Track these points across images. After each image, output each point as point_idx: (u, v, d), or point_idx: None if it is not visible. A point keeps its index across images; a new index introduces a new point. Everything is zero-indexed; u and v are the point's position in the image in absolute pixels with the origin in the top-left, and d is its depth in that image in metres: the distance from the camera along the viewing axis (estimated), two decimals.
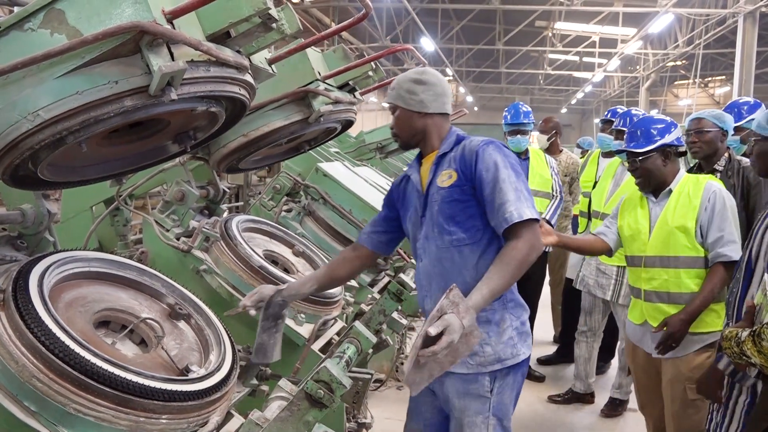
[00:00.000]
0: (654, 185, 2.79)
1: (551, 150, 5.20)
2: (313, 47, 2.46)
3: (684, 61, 23.62)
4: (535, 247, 1.83)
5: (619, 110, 4.18)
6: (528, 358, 2.10)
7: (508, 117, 4.50)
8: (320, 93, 2.37)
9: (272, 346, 2.03)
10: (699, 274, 2.67)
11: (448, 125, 2.11)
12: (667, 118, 2.85)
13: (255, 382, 2.00)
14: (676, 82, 30.02)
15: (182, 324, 1.90)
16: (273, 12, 1.47)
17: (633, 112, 3.92)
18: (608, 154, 4.52)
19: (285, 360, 2.42)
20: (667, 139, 2.73)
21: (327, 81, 2.49)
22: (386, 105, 2.08)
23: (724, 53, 21.84)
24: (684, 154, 2.87)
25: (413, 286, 2.26)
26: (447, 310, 1.69)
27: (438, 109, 2.05)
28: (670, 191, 2.76)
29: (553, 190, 4.52)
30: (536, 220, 1.86)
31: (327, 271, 2.20)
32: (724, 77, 28.05)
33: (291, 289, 2.12)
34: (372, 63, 2.65)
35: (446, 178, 1.98)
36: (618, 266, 3.79)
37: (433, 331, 1.62)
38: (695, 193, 2.69)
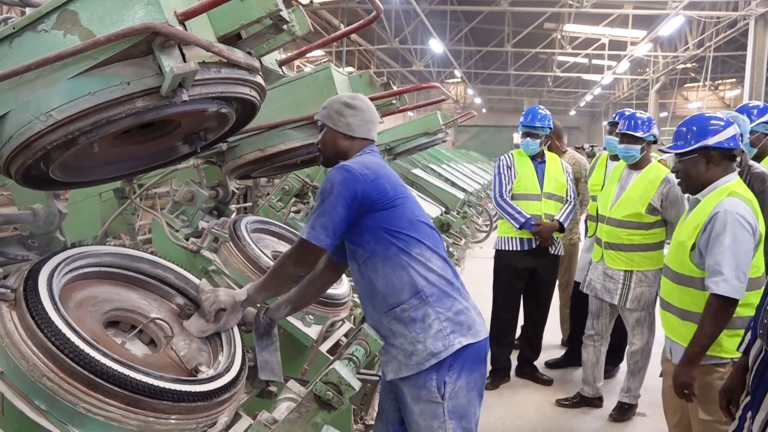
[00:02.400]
0: (692, 190, 2.62)
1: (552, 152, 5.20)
2: (338, 68, 2.49)
3: (694, 64, 23.52)
4: (294, 261, 2.00)
5: (626, 113, 4.15)
6: (474, 345, 2.04)
7: (523, 119, 4.51)
8: None
9: (276, 363, 2.04)
10: (693, 294, 2.56)
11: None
12: (721, 116, 2.62)
13: (263, 383, 2.00)
14: (686, 85, 29.89)
15: None
16: (284, 14, 1.47)
17: (637, 115, 3.89)
18: (616, 157, 4.50)
19: (293, 361, 2.42)
20: (708, 141, 2.53)
21: None
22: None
23: (735, 56, 21.73)
24: (735, 158, 2.62)
25: None
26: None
27: (363, 135, 2.13)
28: (698, 201, 2.60)
29: (567, 195, 4.53)
30: (311, 242, 1.92)
31: (298, 291, 2.20)
32: (734, 80, 27.89)
33: (271, 312, 2.14)
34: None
35: None
36: (625, 271, 3.77)
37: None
38: (707, 209, 2.51)
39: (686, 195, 2.93)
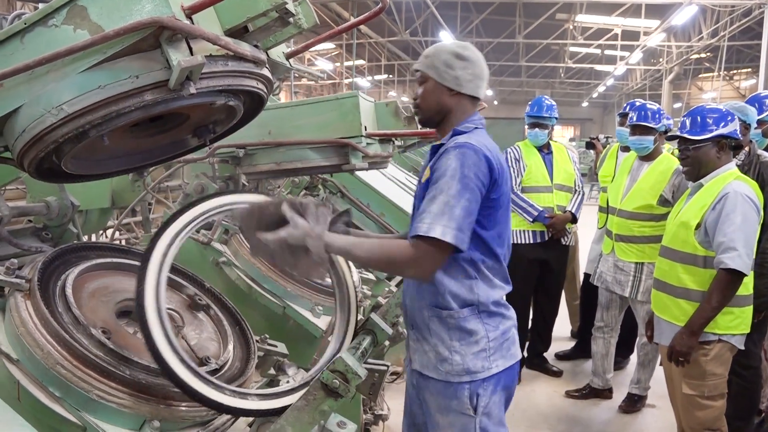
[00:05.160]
0: (702, 176, 2.73)
1: None
2: (364, 96, 2.52)
3: (708, 54, 23.21)
4: (415, 265, 1.67)
5: (636, 104, 4.13)
6: (511, 367, 1.92)
7: (529, 110, 4.49)
8: (360, 149, 2.43)
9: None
10: (694, 272, 2.68)
11: (473, 111, 1.94)
12: (724, 108, 2.76)
13: (272, 372, 2.03)
14: (700, 75, 29.51)
15: (202, 314, 1.93)
16: (290, 6, 1.48)
17: (648, 105, 3.87)
18: (627, 149, 4.48)
19: (303, 352, 2.45)
20: (724, 130, 2.66)
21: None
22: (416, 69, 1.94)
23: (750, 45, 21.42)
24: (740, 148, 2.80)
25: None
26: (308, 216, 1.66)
27: (470, 91, 1.89)
28: (701, 185, 2.72)
29: (575, 185, 4.51)
30: (444, 243, 1.65)
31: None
32: (749, 69, 27.49)
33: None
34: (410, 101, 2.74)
35: (426, 173, 1.85)
36: (636, 263, 3.76)
37: (287, 213, 1.64)
38: (714, 191, 2.64)
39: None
